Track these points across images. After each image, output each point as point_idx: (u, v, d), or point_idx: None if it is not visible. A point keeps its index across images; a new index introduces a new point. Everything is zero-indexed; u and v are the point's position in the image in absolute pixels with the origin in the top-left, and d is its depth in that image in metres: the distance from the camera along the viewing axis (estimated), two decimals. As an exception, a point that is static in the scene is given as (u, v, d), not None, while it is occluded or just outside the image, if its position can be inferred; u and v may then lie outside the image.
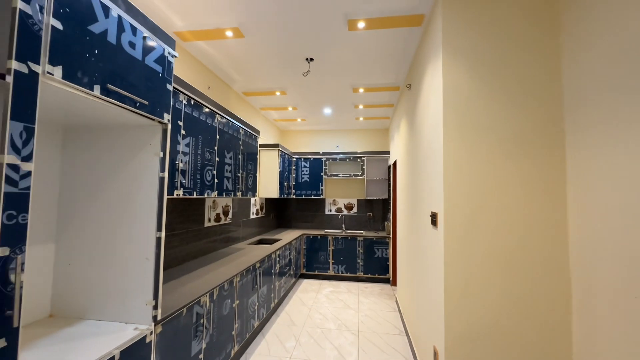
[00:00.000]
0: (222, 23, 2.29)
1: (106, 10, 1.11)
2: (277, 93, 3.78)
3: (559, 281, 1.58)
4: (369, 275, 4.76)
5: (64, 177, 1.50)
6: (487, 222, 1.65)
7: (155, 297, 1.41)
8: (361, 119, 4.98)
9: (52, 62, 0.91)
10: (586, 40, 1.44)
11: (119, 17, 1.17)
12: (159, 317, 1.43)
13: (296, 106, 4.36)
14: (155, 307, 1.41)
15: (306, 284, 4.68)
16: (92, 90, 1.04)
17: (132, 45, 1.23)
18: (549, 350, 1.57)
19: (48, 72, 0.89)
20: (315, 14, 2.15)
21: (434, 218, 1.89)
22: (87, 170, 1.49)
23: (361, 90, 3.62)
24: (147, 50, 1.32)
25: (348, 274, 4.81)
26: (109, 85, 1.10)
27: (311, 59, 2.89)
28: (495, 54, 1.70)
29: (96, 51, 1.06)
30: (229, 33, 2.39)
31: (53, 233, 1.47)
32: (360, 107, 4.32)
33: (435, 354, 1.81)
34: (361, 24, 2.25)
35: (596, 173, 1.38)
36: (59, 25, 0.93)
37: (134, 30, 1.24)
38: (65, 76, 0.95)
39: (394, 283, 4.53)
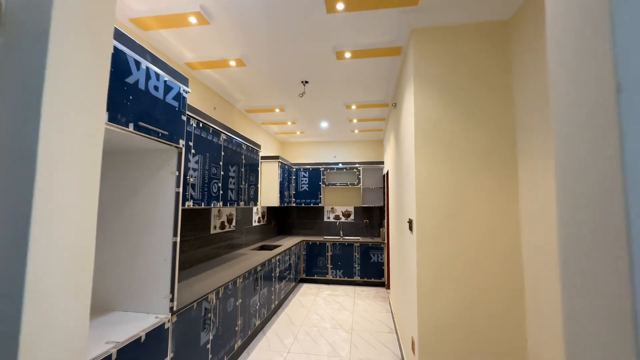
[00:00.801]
0: (227, 55, 2.63)
1: (138, 64, 1.44)
2: (277, 110, 4.11)
3: (514, 278, 1.85)
4: (365, 280, 5.01)
5: (97, 192, 1.81)
6: (454, 228, 1.93)
7: (172, 291, 1.70)
8: (356, 131, 5.30)
9: (102, 109, 1.22)
10: (529, 78, 1.75)
11: (147, 67, 1.49)
12: (174, 309, 1.72)
13: (295, 121, 4.69)
14: (171, 300, 1.70)
15: (305, 287, 4.93)
16: (127, 127, 1.36)
17: (156, 88, 1.55)
18: (507, 336, 1.82)
19: (99, 118, 1.21)
20: (307, 46, 2.48)
21: (410, 224, 2.17)
22: (114, 186, 1.80)
23: (353, 107, 3.95)
24: (167, 90, 1.64)
25: (345, 278, 5.06)
26: (140, 123, 1.42)
27: (306, 82, 3.21)
28: (458, 84, 2.00)
29: (130, 97, 1.38)
30: (233, 63, 2.73)
31: (87, 239, 1.78)
32: (354, 121, 4.64)
33: (413, 343, 2.07)
34: (348, 55, 2.58)
35: (539, 188, 1.66)
36: (106, 82, 1.25)
37: (157, 76, 1.57)
38: (110, 119, 1.27)
39: (388, 286, 4.77)
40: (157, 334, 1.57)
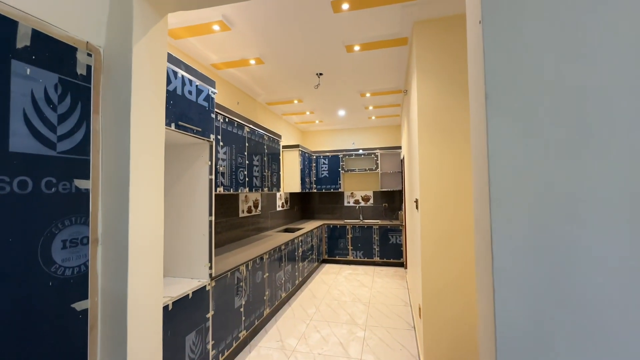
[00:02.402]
0: (247, 55, 2.90)
1: (175, 74, 1.74)
2: (295, 101, 4.36)
3: (511, 249, 2.01)
4: (385, 260, 5.25)
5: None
6: (450, 205, 2.11)
7: (210, 261, 2.06)
8: (373, 117, 5.44)
9: (151, 114, 1.55)
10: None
11: (182, 76, 1.80)
12: (213, 275, 2.08)
13: (313, 110, 4.93)
14: (210, 268, 2.06)
15: (327, 267, 5.28)
16: (170, 127, 1.68)
17: (190, 92, 1.87)
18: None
19: (150, 120, 1.53)
20: (318, 43, 2.69)
21: (416, 203, 2.38)
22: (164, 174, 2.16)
23: (368, 94, 4.10)
24: (198, 93, 1.95)
25: (365, 259, 5.34)
26: (180, 122, 1.74)
27: (320, 74, 3.43)
28: (459, 71, 2.14)
29: (171, 102, 1.70)
30: (252, 62, 3.00)
31: (141, 219, 2.17)
32: (370, 108, 4.78)
33: (419, 309, 2.32)
34: (357, 48, 2.76)
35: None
36: (153, 91, 1.57)
37: (190, 82, 1.87)
38: (157, 121, 1.59)
39: (406, 266, 4.99)
40: (200, 294, 1.94)
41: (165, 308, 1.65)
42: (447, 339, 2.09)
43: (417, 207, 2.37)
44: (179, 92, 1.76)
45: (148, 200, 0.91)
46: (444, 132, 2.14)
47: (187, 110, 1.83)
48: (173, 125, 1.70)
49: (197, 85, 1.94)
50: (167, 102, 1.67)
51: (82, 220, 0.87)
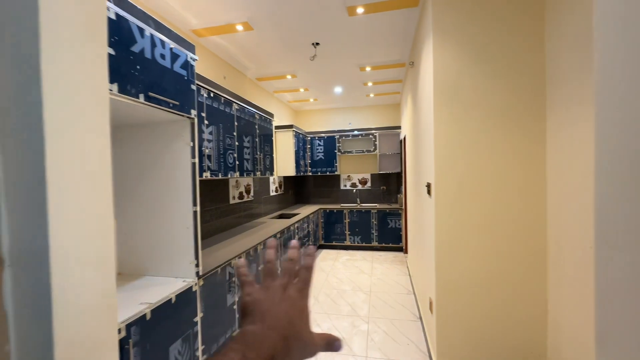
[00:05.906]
0: (233, 19, 2.51)
1: (141, 31, 1.39)
2: (288, 76, 3.98)
3: (537, 237, 1.79)
4: (383, 245, 5.08)
5: (115, 167, 1.86)
6: (474, 189, 1.86)
7: (196, 257, 1.78)
8: (372, 95, 5.09)
9: (111, 81, 1.21)
10: (564, 20, 1.56)
11: (151, 35, 1.45)
12: (200, 273, 1.81)
13: (307, 87, 4.55)
14: (197, 265, 1.79)
15: (324, 253, 5.08)
16: (138, 98, 1.35)
17: (162, 56, 1.51)
18: (526, 296, 1.82)
19: (109, 89, 1.20)
20: (316, 3, 2.31)
21: (428, 188, 2.12)
22: (137, 158, 1.84)
23: (368, 68, 3.75)
24: (174, 58, 1.60)
25: (363, 244, 5.16)
26: (150, 93, 1.41)
27: (317, 44, 3.05)
28: (483, 34, 1.83)
29: (138, 67, 1.36)
30: (240, 27, 2.61)
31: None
32: (370, 84, 4.44)
33: (430, 303, 2.12)
34: (360, 10, 2.39)
35: (570, 143, 1.54)
36: (112, 52, 1.22)
37: (162, 44, 1.52)
38: (120, 90, 1.26)
39: (406, 251, 4.83)
40: (186, 296, 1.68)
41: (143, 318, 1.38)
42: (462, 335, 1.91)
43: (429, 192, 2.11)
44: (147, 54, 1.41)
45: (83, 191, 0.61)
46: (466, 106, 1.85)
47: (159, 78, 1.49)
48: (142, 96, 1.37)
49: (171, 49, 1.58)
50: (133, 67, 1.33)
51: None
